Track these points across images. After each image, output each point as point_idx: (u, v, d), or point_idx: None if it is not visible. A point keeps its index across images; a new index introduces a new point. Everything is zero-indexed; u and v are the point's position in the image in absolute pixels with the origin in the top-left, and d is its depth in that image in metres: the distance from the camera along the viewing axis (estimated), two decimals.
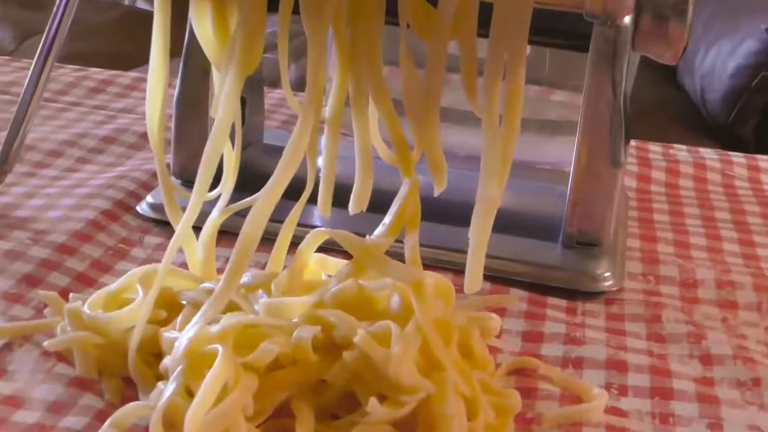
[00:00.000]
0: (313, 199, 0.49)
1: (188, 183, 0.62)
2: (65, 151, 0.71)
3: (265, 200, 0.45)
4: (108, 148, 0.72)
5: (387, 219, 0.48)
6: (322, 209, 0.49)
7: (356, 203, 0.48)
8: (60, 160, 0.70)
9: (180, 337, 0.44)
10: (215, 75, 0.50)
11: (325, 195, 0.49)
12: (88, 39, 1.23)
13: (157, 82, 0.50)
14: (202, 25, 0.49)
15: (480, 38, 0.46)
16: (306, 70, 0.46)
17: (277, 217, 0.48)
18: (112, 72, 0.88)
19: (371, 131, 0.48)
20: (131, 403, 0.44)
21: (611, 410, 0.47)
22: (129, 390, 0.46)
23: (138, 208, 0.63)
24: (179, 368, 0.43)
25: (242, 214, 0.50)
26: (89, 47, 1.17)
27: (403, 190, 0.47)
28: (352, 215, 0.49)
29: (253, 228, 0.45)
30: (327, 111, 0.49)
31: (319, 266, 0.52)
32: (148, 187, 0.66)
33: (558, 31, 0.55)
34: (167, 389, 0.42)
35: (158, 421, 0.41)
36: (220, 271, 0.54)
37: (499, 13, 0.45)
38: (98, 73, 0.87)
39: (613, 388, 0.49)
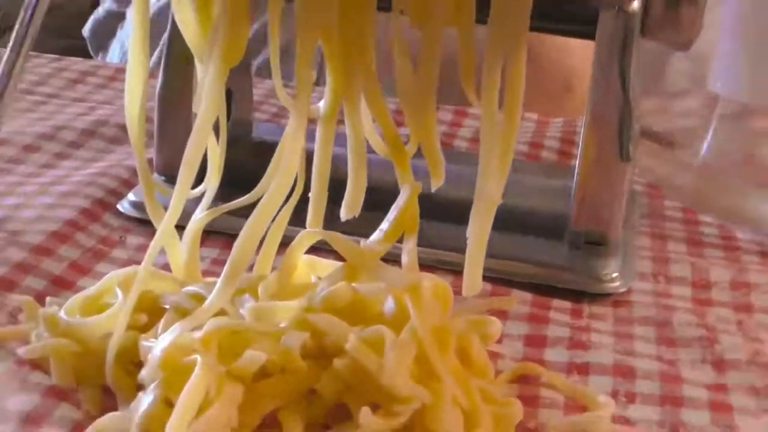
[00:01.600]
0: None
1: (172, 180, 0.60)
2: (42, 146, 0.70)
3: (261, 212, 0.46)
4: (87, 142, 0.72)
5: (384, 225, 0.47)
6: (314, 218, 0.49)
7: (348, 208, 0.48)
8: (36, 155, 0.69)
9: (154, 347, 0.43)
10: (198, 66, 0.49)
11: (317, 201, 0.49)
12: (69, 31, 1.22)
13: (136, 72, 0.50)
14: (182, 11, 0.48)
15: (478, 24, 0.46)
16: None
17: None
18: (93, 62, 0.88)
19: (364, 124, 0.48)
20: (110, 414, 0.44)
21: (619, 419, 0.47)
22: (109, 400, 0.46)
23: (119, 207, 0.63)
24: (156, 380, 0.42)
25: (229, 211, 0.50)
26: (71, 42, 1.16)
27: (402, 197, 0.47)
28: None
29: (245, 242, 0.46)
30: (321, 108, 0.48)
31: (309, 268, 0.51)
32: (129, 184, 0.65)
33: (562, 16, 0.55)
34: (144, 401, 0.42)
35: None
36: (204, 273, 0.54)
37: None
38: (77, 64, 0.86)
39: (620, 396, 0.49)
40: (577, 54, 0.87)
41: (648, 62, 0.60)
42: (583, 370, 0.50)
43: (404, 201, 0.47)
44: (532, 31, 0.46)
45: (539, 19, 0.46)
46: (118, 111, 0.77)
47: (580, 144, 0.57)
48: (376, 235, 0.47)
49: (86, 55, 1.18)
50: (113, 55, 1.23)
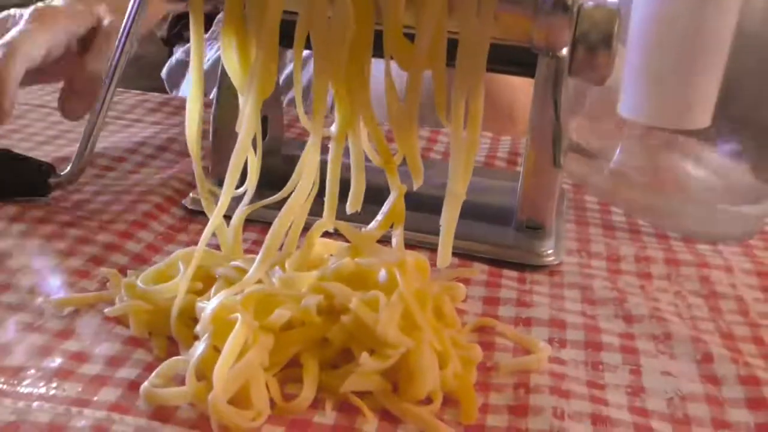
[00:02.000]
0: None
1: (222, 183, 0.59)
2: (127, 157, 0.68)
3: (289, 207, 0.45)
4: (162, 154, 0.70)
5: (379, 217, 0.46)
6: (329, 211, 0.47)
7: (352, 205, 0.47)
8: (123, 164, 0.67)
9: (207, 307, 0.42)
10: (240, 98, 0.48)
11: (331, 199, 0.47)
12: (150, 74, 1.21)
13: (194, 104, 0.48)
14: (228, 56, 0.47)
15: (448, 67, 0.45)
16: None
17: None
18: (168, 95, 0.86)
19: (362, 141, 0.47)
20: (173, 358, 0.42)
21: (554, 360, 0.46)
22: (173, 347, 0.45)
23: (183, 202, 0.61)
24: (207, 332, 0.41)
25: (264, 206, 0.49)
26: (152, 83, 1.15)
27: (392, 196, 0.47)
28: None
29: (277, 229, 0.45)
30: (332, 130, 0.47)
31: (323, 248, 0.50)
32: (192, 185, 0.63)
33: (510, 60, 0.53)
34: (198, 348, 0.41)
35: (192, 373, 0.40)
36: (246, 251, 0.53)
37: (463, 47, 0.44)
38: (156, 97, 0.85)
39: (555, 342, 0.47)
40: (518, 91, 0.87)
41: (573, 93, 0.58)
42: (527, 322, 0.49)
43: (393, 199, 0.46)
44: (488, 71, 0.45)
45: (493, 63, 0.45)
46: (185, 132, 0.75)
47: (524, 155, 0.56)
48: (372, 224, 0.46)
49: (163, 92, 1.16)
50: (183, 92, 1.22)
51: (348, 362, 0.42)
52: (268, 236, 0.45)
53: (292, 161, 0.48)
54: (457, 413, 0.41)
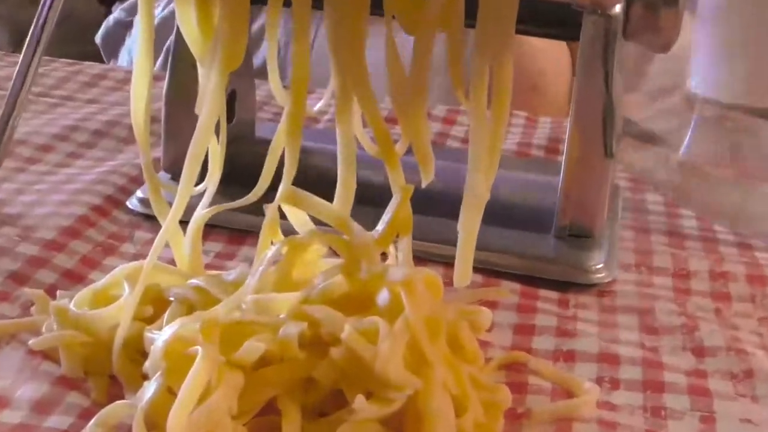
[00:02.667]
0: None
1: (178, 177, 0.60)
2: (56, 146, 0.70)
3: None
4: (99, 142, 0.71)
5: (379, 227, 0.47)
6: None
7: (339, 205, 0.48)
8: (51, 155, 0.69)
9: (158, 338, 0.43)
10: (200, 71, 0.49)
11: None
12: (81, 36, 1.22)
13: (141, 77, 0.49)
14: (185, 19, 0.48)
15: (467, 28, 0.46)
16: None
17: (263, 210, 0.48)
18: (105, 66, 0.87)
19: (354, 123, 0.48)
20: (117, 402, 0.43)
21: (603, 405, 0.46)
22: (115, 389, 0.45)
23: (128, 203, 0.62)
24: (159, 370, 0.42)
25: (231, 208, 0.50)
26: (83, 48, 1.16)
27: (395, 198, 0.47)
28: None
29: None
30: (317, 107, 0.48)
31: (310, 267, 0.51)
32: (138, 181, 0.64)
33: (546, 20, 0.54)
34: (148, 390, 0.41)
35: (140, 421, 0.40)
36: (207, 266, 0.54)
37: (486, 3, 0.45)
38: (91, 68, 0.86)
39: (605, 382, 0.48)
40: (541, 57, 0.89)
41: (631, 61, 0.59)
42: (569, 357, 0.50)
43: (397, 202, 0.47)
44: (517, 33, 0.46)
45: (524, 23, 0.45)
46: (129, 112, 0.76)
47: (566, 141, 0.57)
48: (371, 234, 0.47)
49: (99, 61, 1.17)
50: (122, 61, 1.23)
51: (339, 408, 0.43)
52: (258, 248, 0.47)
53: (266, 150, 0.49)
54: None
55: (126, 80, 0.84)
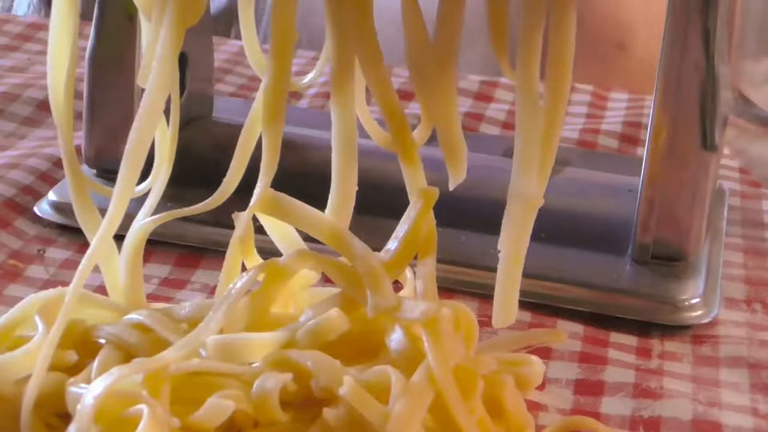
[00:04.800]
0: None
1: (106, 173, 0.63)
2: None
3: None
4: None
5: (392, 245, 0.49)
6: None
7: (334, 212, 0.49)
8: None
9: (86, 394, 0.44)
10: (144, 26, 0.50)
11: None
12: None
13: (62, 29, 0.50)
14: None
15: None
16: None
17: (229, 221, 0.49)
18: (3, 15, 0.87)
19: (357, 103, 0.49)
20: None
21: None
22: None
23: (36, 210, 0.64)
24: None
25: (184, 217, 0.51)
26: None
27: (412, 209, 0.49)
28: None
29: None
30: (309, 77, 0.49)
31: (302, 300, 0.53)
32: (49, 179, 0.66)
33: None
34: None
35: None
36: (150, 297, 0.55)
37: None
38: None
39: None
40: (631, 6, 0.88)
41: (756, 17, 0.60)
42: (654, 426, 0.51)
43: (416, 212, 0.48)
44: None
45: None
46: (32, 82, 0.77)
47: (649, 127, 0.58)
48: (381, 255, 0.48)
49: None
50: (19, 5, 1.23)
51: None
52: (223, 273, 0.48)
53: (228, 137, 0.51)
54: None
55: (27, 36, 0.85)
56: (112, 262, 0.52)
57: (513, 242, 0.48)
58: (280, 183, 0.49)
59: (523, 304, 0.50)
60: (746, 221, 0.69)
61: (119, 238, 0.51)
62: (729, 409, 0.53)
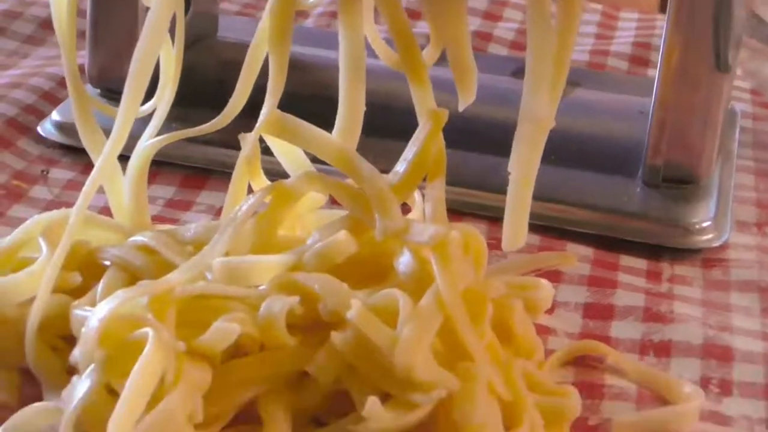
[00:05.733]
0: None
1: (110, 93, 0.62)
2: None
3: None
4: None
5: (400, 167, 0.48)
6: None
7: (342, 134, 0.49)
8: None
9: (91, 317, 0.43)
10: None
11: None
12: None
13: None
14: None
15: None
16: None
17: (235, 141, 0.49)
18: None
19: (366, 23, 0.49)
20: (33, 405, 0.44)
21: (709, 416, 0.48)
22: (31, 387, 0.47)
23: (39, 130, 0.63)
24: (94, 361, 0.43)
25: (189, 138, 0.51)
26: None
27: (421, 130, 0.48)
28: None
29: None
30: None
31: (309, 222, 0.52)
32: (52, 98, 0.66)
33: None
34: (79, 388, 0.42)
35: (69, 431, 0.41)
36: (155, 218, 0.55)
37: None
38: None
39: (712, 385, 0.49)
40: None
41: None
42: (663, 350, 0.51)
43: (425, 134, 0.48)
44: None
45: None
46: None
47: (662, 47, 0.58)
48: (389, 177, 0.48)
49: None
50: None
51: (341, 415, 0.44)
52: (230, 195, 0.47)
53: (233, 57, 0.50)
54: None
55: None
56: (117, 182, 0.52)
57: (523, 164, 0.47)
58: (286, 104, 0.48)
59: (533, 227, 0.49)
60: (758, 143, 0.68)
61: (124, 158, 0.51)
62: (740, 334, 0.53)
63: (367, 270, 0.47)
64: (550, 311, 0.53)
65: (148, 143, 0.51)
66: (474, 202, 0.58)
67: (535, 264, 0.55)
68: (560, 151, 0.50)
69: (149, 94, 0.50)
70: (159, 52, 0.49)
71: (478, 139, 0.56)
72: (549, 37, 0.46)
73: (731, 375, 0.50)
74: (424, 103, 0.49)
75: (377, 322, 0.43)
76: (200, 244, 0.48)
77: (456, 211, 0.56)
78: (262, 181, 0.50)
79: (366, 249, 0.47)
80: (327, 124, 0.49)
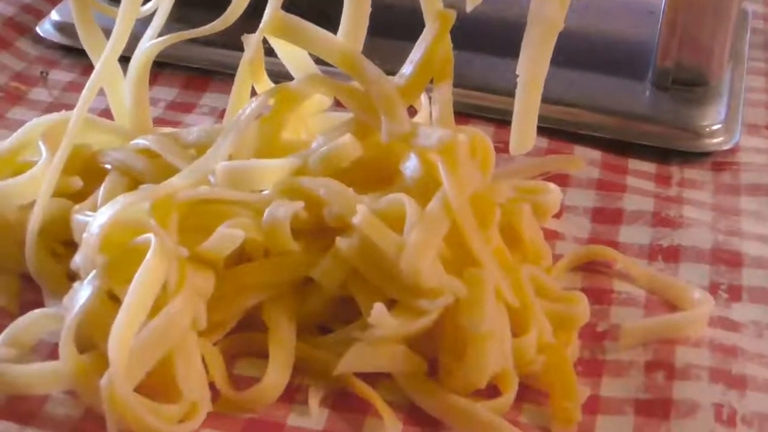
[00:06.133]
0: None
1: None
2: None
3: None
4: None
5: (406, 69, 0.48)
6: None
7: (347, 35, 0.48)
8: None
9: (92, 222, 0.43)
10: None
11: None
12: None
13: None
14: None
15: None
16: None
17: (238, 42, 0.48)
18: None
19: None
20: (34, 312, 0.44)
21: (718, 321, 0.47)
22: (32, 292, 0.47)
23: (38, 30, 0.63)
24: (96, 267, 0.43)
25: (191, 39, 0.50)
26: None
27: (428, 31, 0.48)
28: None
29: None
30: None
31: (314, 125, 0.52)
32: None
33: None
34: (81, 294, 0.42)
35: (69, 338, 0.41)
36: (156, 120, 0.54)
37: None
38: None
39: (720, 290, 0.49)
40: None
41: None
42: (672, 255, 0.51)
43: (432, 36, 0.47)
44: None
45: None
46: None
47: None
48: (395, 79, 0.48)
49: None
50: None
51: (347, 322, 0.44)
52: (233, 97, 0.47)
53: None
54: (543, 414, 0.43)
55: None
56: (118, 84, 0.52)
57: (532, 66, 0.46)
58: (290, 4, 0.47)
59: (540, 130, 0.48)
60: None
61: (125, 59, 0.50)
62: (749, 239, 0.52)
63: (373, 174, 0.47)
64: (558, 215, 0.53)
65: (150, 44, 0.50)
66: (481, 105, 0.58)
67: (543, 167, 0.54)
68: (569, 52, 0.49)
69: None
70: None
71: (486, 40, 0.55)
72: None
73: (740, 280, 0.50)
74: (431, 4, 0.48)
75: (383, 227, 0.43)
76: (203, 148, 0.48)
77: (463, 114, 0.55)
78: (265, 84, 0.50)
79: (371, 152, 0.47)
80: (332, 25, 0.48)
